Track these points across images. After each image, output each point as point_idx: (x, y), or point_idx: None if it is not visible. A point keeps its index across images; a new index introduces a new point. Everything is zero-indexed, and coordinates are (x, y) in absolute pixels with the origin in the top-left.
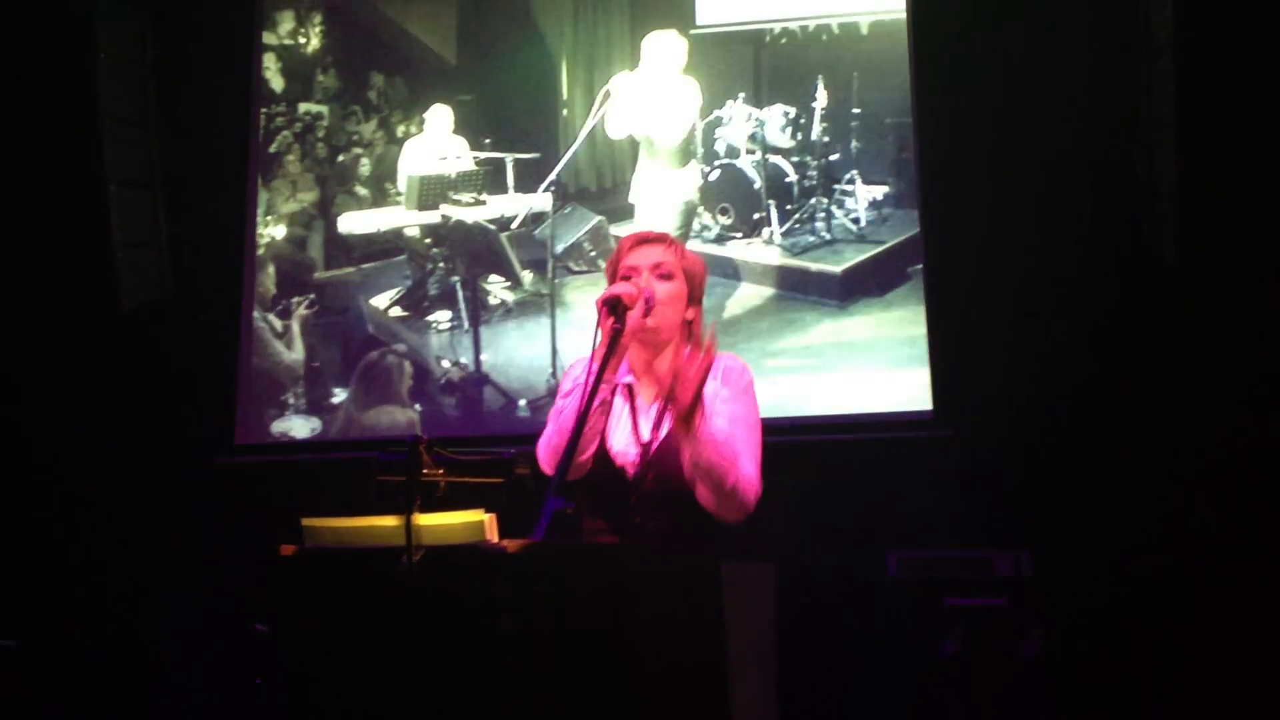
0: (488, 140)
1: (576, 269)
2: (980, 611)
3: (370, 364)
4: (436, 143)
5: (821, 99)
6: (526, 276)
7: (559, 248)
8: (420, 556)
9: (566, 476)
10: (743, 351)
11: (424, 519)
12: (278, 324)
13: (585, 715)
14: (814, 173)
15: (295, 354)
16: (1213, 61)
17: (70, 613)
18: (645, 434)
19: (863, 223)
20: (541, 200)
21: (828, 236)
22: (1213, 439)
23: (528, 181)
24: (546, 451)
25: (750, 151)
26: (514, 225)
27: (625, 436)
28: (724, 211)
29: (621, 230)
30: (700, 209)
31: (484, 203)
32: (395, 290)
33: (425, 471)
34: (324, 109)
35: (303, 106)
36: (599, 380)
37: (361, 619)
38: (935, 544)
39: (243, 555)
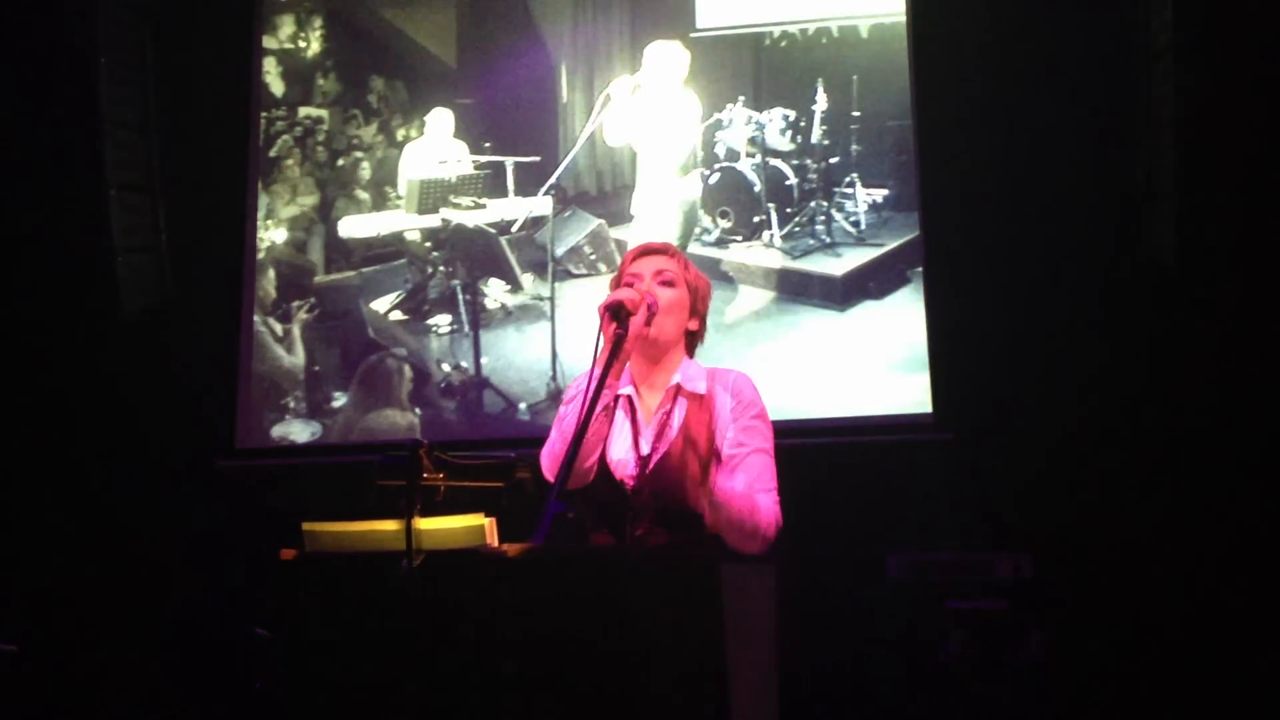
0: (488, 144)
1: (576, 272)
2: (981, 614)
3: (370, 368)
4: (436, 146)
5: (821, 102)
6: (526, 280)
7: (559, 251)
8: (420, 561)
9: (568, 483)
10: (743, 355)
11: (424, 523)
12: (278, 328)
13: (586, 718)
14: (814, 176)
15: (295, 358)
16: (1212, 64)
17: (71, 617)
18: (645, 448)
19: (862, 225)
20: (541, 204)
21: (828, 239)
22: (1213, 440)
23: (528, 185)
24: (550, 458)
25: (750, 154)
26: (514, 229)
27: (624, 449)
28: (724, 215)
29: (621, 234)
30: (700, 212)
31: (484, 206)
32: (395, 294)
33: (425, 476)
34: (324, 113)
35: (303, 110)
36: (601, 386)
37: (362, 623)
38: (935, 547)
39: (243, 559)
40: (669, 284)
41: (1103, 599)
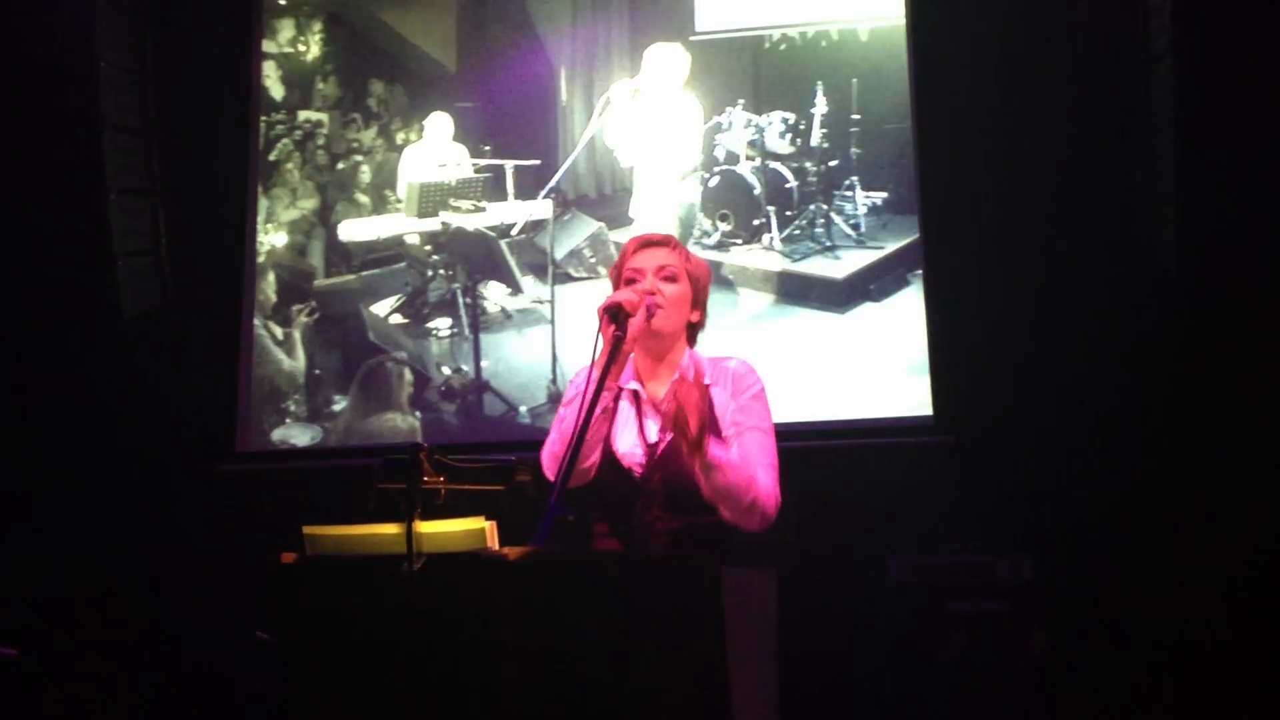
0: (487, 147)
1: (577, 275)
2: (982, 616)
3: (370, 371)
4: (436, 150)
5: (821, 105)
6: (526, 283)
7: (559, 254)
8: (421, 564)
9: (568, 484)
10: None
11: (425, 526)
12: (278, 331)
13: None
14: (814, 178)
15: (296, 361)
16: (1211, 66)
17: (71, 621)
18: (652, 435)
19: (862, 228)
20: (541, 207)
21: (828, 242)
22: (1214, 443)
23: (527, 188)
24: (550, 459)
25: (750, 157)
26: (514, 232)
27: (632, 438)
28: (724, 218)
29: (621, 237)
30: (700, 215)
31: (484, 209)
32: (395, 297)
33: (426, 479)
34: (324, 117)
35: (303, 114)
36: (600, 388)
37: (362, 626)
38: (936, 549)
39: (243, 562)
40: (671, 279)
41: (1104, 601)
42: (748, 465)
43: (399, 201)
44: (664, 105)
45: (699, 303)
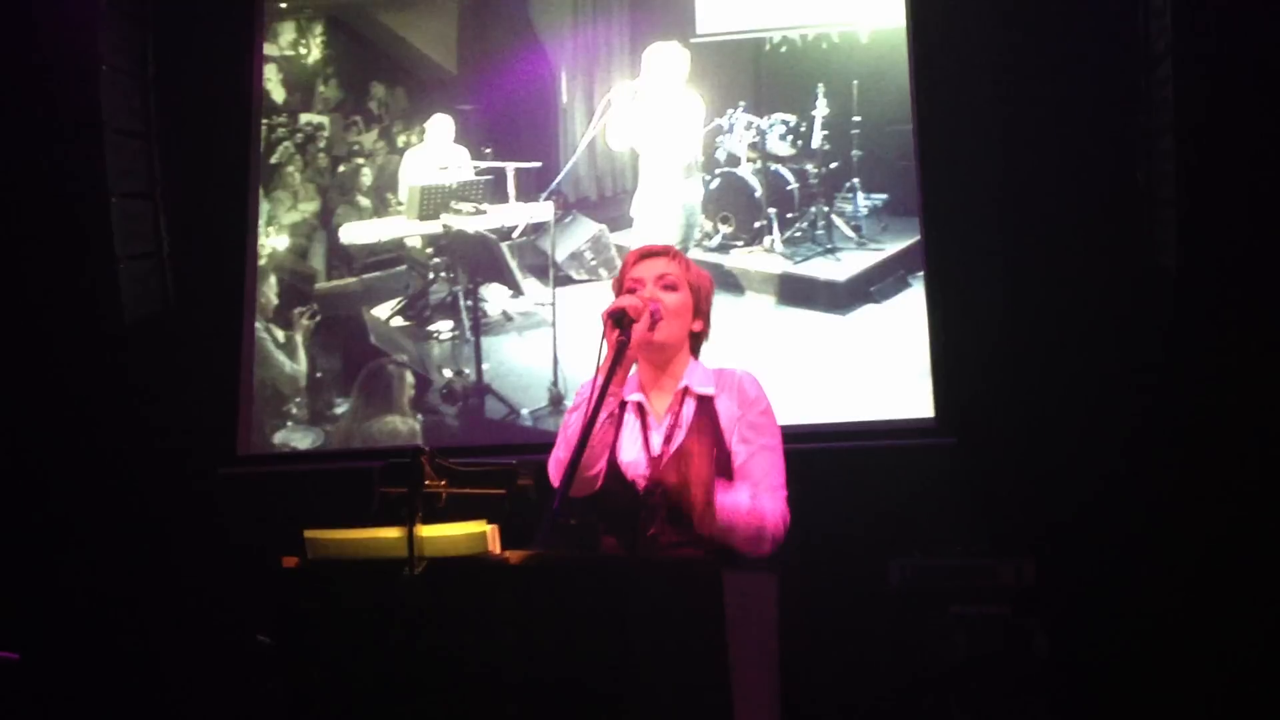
0: (488, 150)
1: (578, 278)
2: (984, 620)
3: (372, 374)
4: (437, 152)
5: (822, 107)
6: (528, 285)
7: (560, 256)
8: (423, 568)
9: (571, 490)
10: (744, 360)
11: (426, 531)
12: (280, 335)
13: None
14: (815, 181)
15: (297, 365)
16: (1211, 68)
17: (73, 625)
18: (656, 448)
19: (863, 230)
20: (542, 209)
21: (829, 244)
22: (1216, 445)
23: (529, 191)
24: (555, 466)
25: (751, 160)
26: (515, 234)
27: (635, 450)
28: (725, 220)
29: (622, 239)
30: (701, 217)
31: (485, 212)
32: (397, 300)
33: (428, 483)
34: (325, 119)
35: (304, 117)
36: (604, 394)
37: (364, 630)
38: (938, 552)
39: (245, 565)
40: (671, 288)
41: (1106, 604)
42: (757, 507)
43: (400, 204)
44: (665, 104)
45: (701, 312)
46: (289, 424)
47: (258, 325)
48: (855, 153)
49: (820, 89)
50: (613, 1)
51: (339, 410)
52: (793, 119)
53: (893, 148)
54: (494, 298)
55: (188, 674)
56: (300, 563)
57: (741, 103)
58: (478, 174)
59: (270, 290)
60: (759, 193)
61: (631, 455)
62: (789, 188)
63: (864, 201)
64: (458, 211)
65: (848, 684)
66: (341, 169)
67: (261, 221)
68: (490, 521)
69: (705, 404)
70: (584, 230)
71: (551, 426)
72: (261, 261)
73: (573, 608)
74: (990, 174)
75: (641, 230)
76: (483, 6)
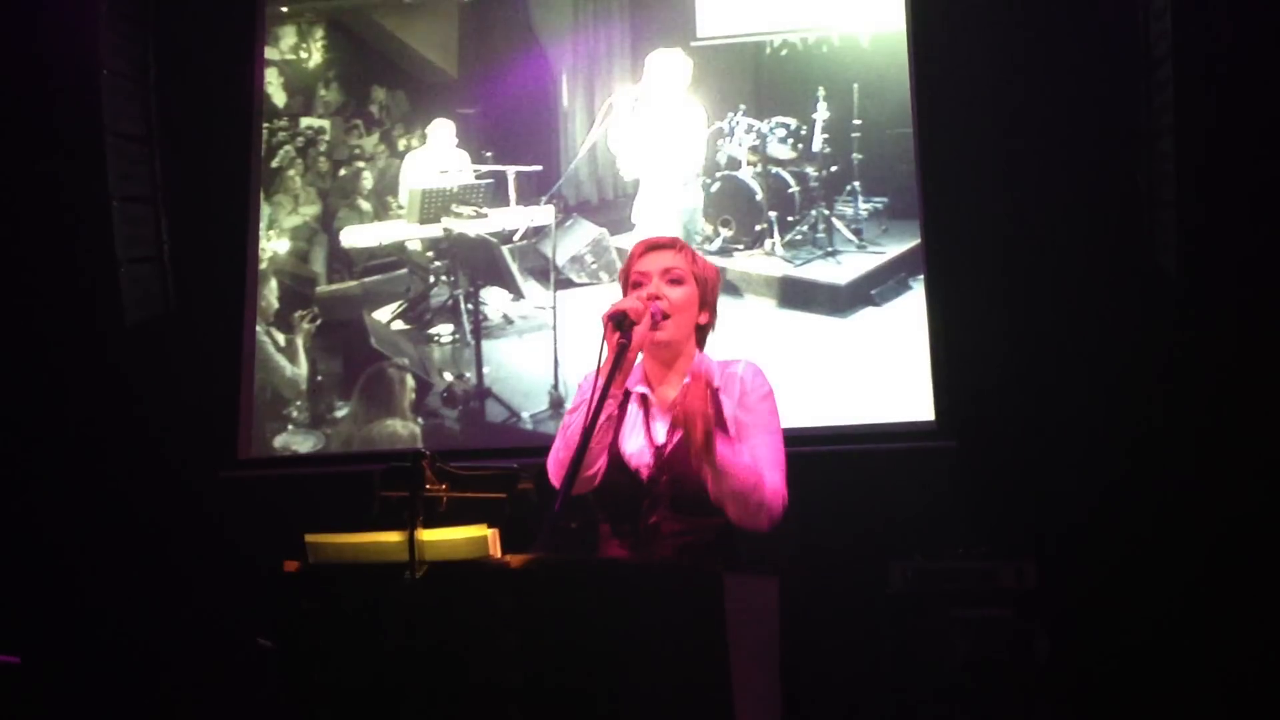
0: (489, 153)
1: (578, 281)
2: (986, 622)
3: (372, 377)
4: (438, 156)
5: (822, 111)
6: (528, 289)
7: (561, 260)
8: (424, 572)
9: (572, 491)
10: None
11: (427, 534)
12: (280, 338)
13: None
14: (815, 184)
15: (298, 368)
16: (1212, 70)
17: (73, 628)
18: (660, 437)
19: (864, 233)
20: (543, 213)
21: (829, 247)
22: (1217, 447)
23: (529, 194)
24: (555, 466)
25: (751, 163)
26: (516, 238)
27: (640, 440)
28: (726, 223)
29: (623, 242)
30: (702, 221)
31: (485, 215)
32: (397, 303)
33: (428, 487)
34: (326, 123)
35: (305, 121)
36: (604, 396)
37: (365, 634)
38: (939, 555)
39: (245, 568)
40: (677, 281)
41: (1108, 606)
42: (755, 467)
43: (401, 208)
44: (666, 111)
45: (707, 304)
46: (289, 427)
47: (258, 328)
48: (856, 156)
49: (821, 92)
50: (613, 5)
51: (339, 414)
52: (793, 122)
53: (893, 151)
54: (494, 301)
55: (188, 678)
56: (301, 566)
57: (742, 106)
58: (478, 177)
59: (271, 293)
60: (760, 196)
61: (635, 445)
62: (790, 191)
63: (864, 205)
64: (458, 215)
65: (849, 687)
66: (342, 173)
67: (262, 225)
68: (491, 525)
69: (710, 396)
70: (585, 234)
71: (552, 430)
72: (262, 265)
73: (574, 611)
74: (990, 177)
75: (642, 233)
76: (483, 10)
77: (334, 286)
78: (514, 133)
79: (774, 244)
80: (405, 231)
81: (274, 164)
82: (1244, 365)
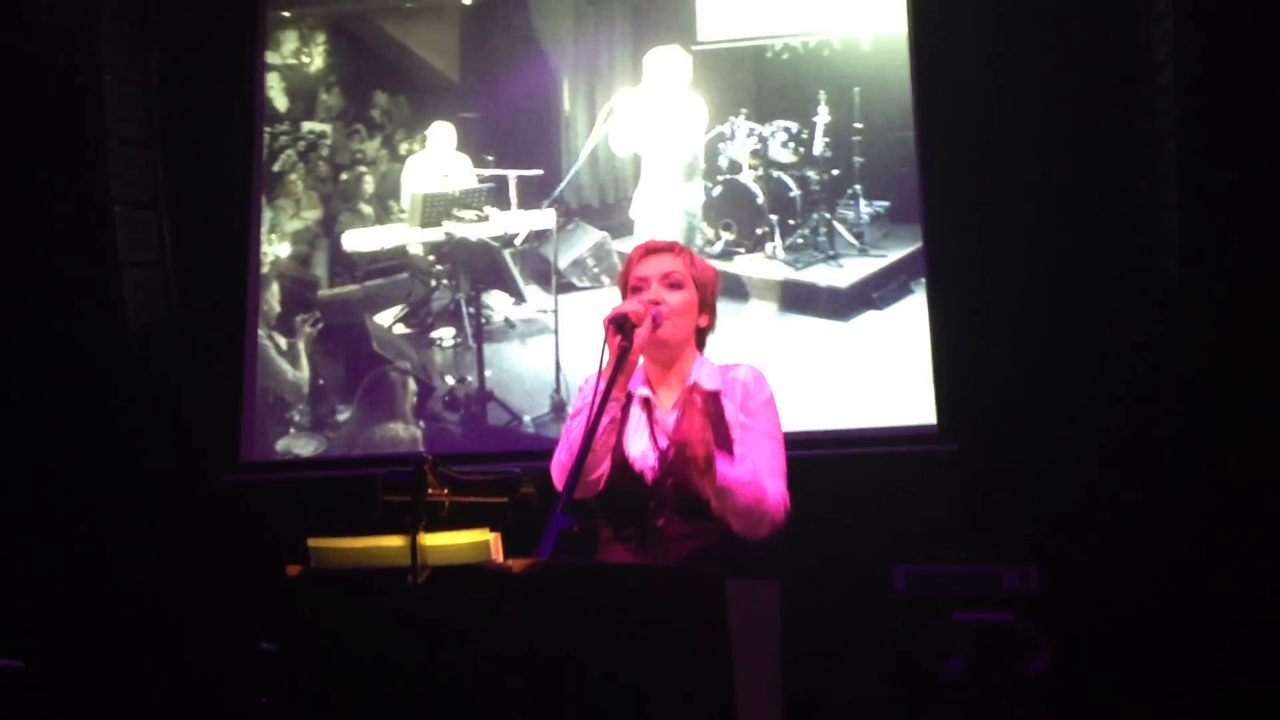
0: (490, 157)
1: (580, 285)
2: (988, 626)
3: (374, 381)
4: (439, 160)
5: (823, 114)
6: (530, 293)
7: (562, 264)
8: (426, 576)
9: (574, 495)
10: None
11: (429, 539)
12: (282, 342)
13: None
14: (816, 187)
15: (300, 372)
16: (1214, 74)
17: (76, 633)
18: (663, 441)
19: (865, 237)
20: (545, 217)
21: (831, 251)
22: (1219, 451)
23: (531, 198)
24: (558, 470)
25: (753, 167)
26: (517, 242)
27: (643, 443)
28: (727, 226)
29: (624, 246)
30: (703, 224)
31: (487, 219)
32: (399, 307)
33: (430, 491)
34: (327, 127)
35: (306, 125)
36: (606, 399)
37: (367, 639)
38: (942, 559)
39: (248, 572)
40: (677, 285)
41: (1110, 611)
42: (757, 481)
43: (402, 212)
44: (667, 108)
45: (707, 306)
46: (291, 431)
47: (260, 332)
48: (857, 159)
49: (822, 96)
50: (614, 9)
51: (341, 417)
52: (795, 126)
53: (894, 154)
54: (496, 305)
55: (191, 682)
56: (303, 571)
57: (743, 110)
58: (480, 181)
59: (273, 297)
60: (761, 199)
61: (639, 449)
62: (791, 194)
63: (866, 208)
64: (460, 219)
65: (851, 690)
66: (344, 177)
67: (264, 229)
68: (493, 530)
69: (711, 399)
70: (586, 237)
71: (553, 433)
72: (264, 269)
73: (576, 616)
74: (992, 180)
75: (643, 236)
76: (484, 14)
77: (336, 290)
78: (515, 137)
79: (775, 247)
80: (407, 235)
81: (276, 168)
82: (1247, 368)
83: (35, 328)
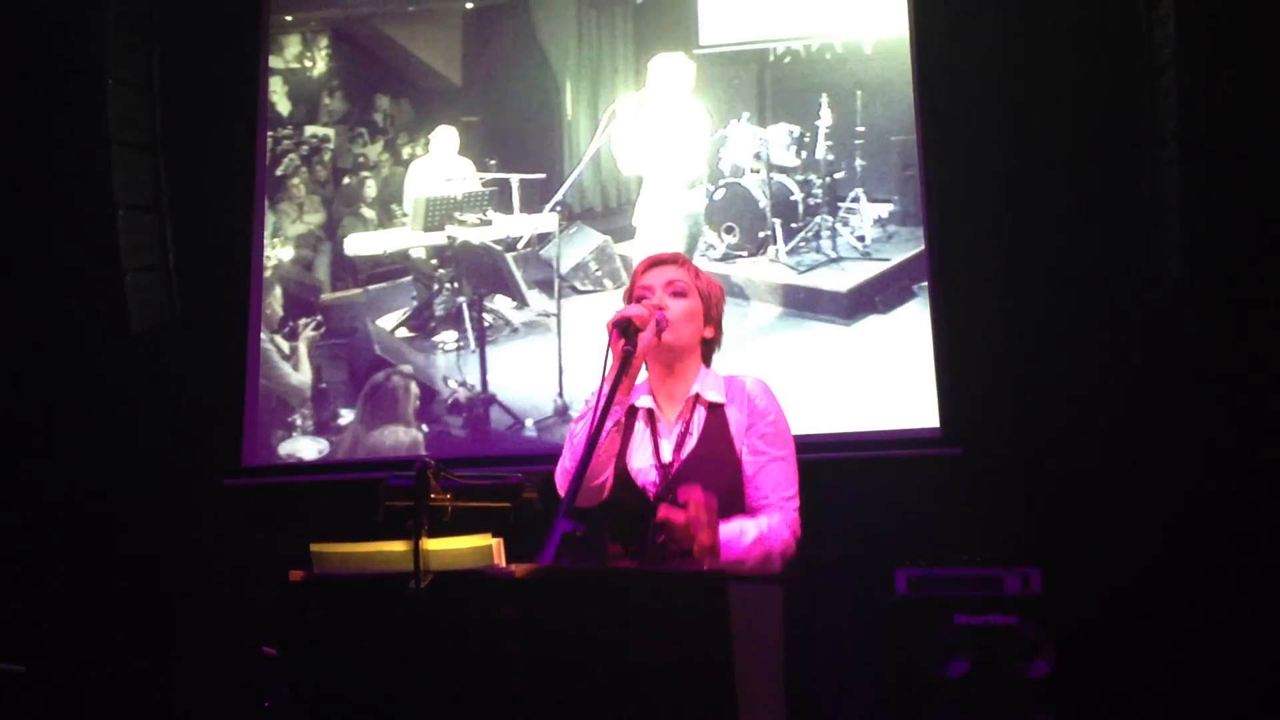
0: (493, 161)
1: (582, 289)
2: (990, 630)
3: (377, 385)
4: (442, 164)
5: (825, 118)
6: (532, 296)
7: (565, 267)
8: (428, 581)
9: (578, 501)
10: (749, 370)
11: (432, 544)
12: (285, 346)
13: None
14: (819, 191)
15: (302, 375)
16: (1215, 77)
17: (79, 636)
18: (666, 455)
19: (868, 240)
20: (547, 220)
21: (833, 254)
22: (1222, 453)
23: (533, 202)
24: (562, 475)
25: (755, 170)
26: (520, 245)
27: (646, 458)
28: (729, 230)
29: (626, 250)
30: (705, 228)
31: (490, 223)
32: (402, 311)
33: (433, 496)
34: (330, 132)
35: (309, 129)
36: (609, 403)
37: (370, 644)
38: (944, 562)
39: (250, 576)
40: (680, 294)
41: (1112, 614)
42: (763, 542)
43: (405, 216)
44: (670, 114)
45: (712, 319)
46: (294, 434)
47: (263, 336)
48: (859, 163)
49: (824, 99)
50: (616, 13)
51: (344, 421)
52: (797, 129)
53: (897, 158)
54: (498, 309)
55: (193, 686)
56: (306, 576)
57: (745, 113)
58: (482, 185)
59: (276, 301)
60: (763, 203)
61: (642, 462)
62: (793, 198)
63: (868, 211)
64: (462, 223)
65: (854, 693)
66: (346, 181)
67: (267, 233)
68: (495, 534)
69: (716, 411)
70: (589, 241)
71: (556, 437)
72: (267, 273)
73: (578, 620)
74: (994, 183)
75: (645, 240)
76: (487, 18)
77: (338, 294)
78: (518, 140)
79: (778, 251)
80: (409, 239)
81: (278, 172)
82: (1249, 371)
83: (39, 331)
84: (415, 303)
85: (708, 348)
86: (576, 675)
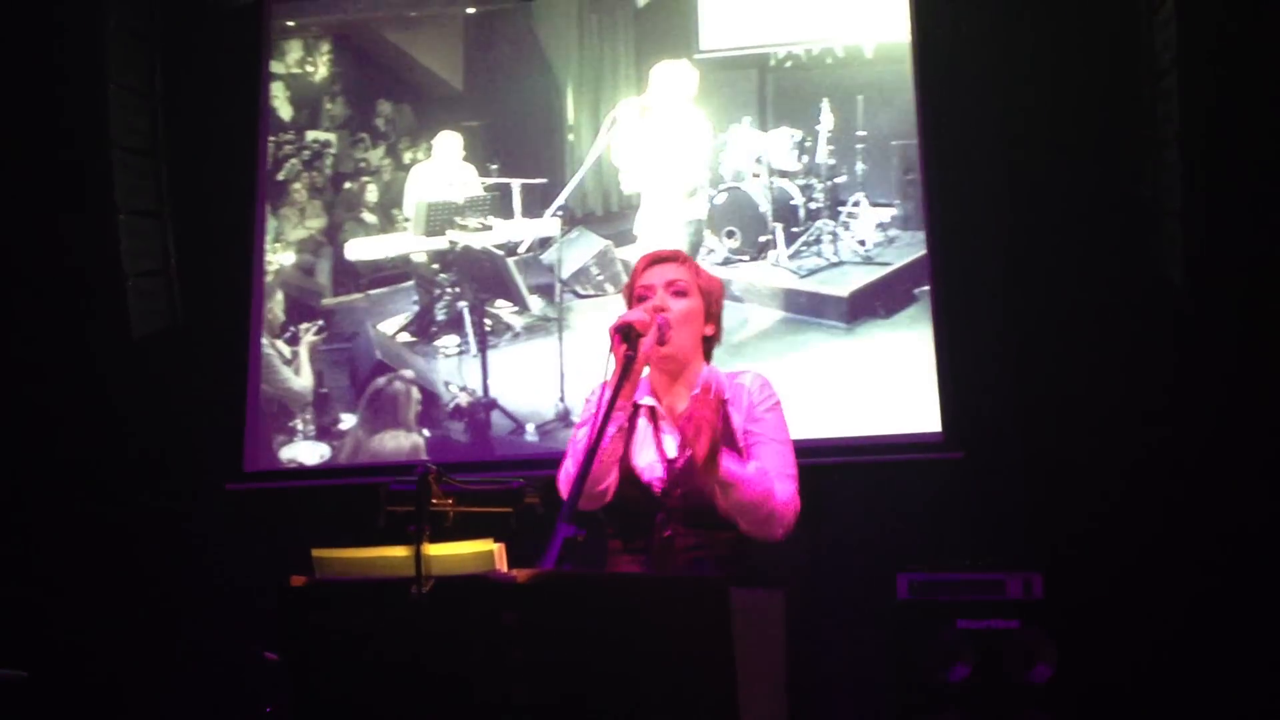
0: (494, 166)
1: (584, 293)
2: (992, 634)
3: (378, 390)
4: (444, 169)
5: (827, 122)
6: (534, 301)
7: (566, 272)
8: (430, 587)
9: (581, 504)
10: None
11: (434, 549)
12: (286, 350)
13: None
14: (820, 195)
15: (304, 380)
16: (1217, 80)
17: (79, 642)
18: (671, 452)
19: (869, 245)
20: (548, 225)
21: (834, 259)
22: (1225, 458)
23: (534, 206)
24: (565, 480)
25: (756, 175)
26: (521, 250)
27: (651, 454)
28: (730, 235)
29: (628, 254)
30: (706, 232)
31: (491, 228)
32: (403, 316)
33: (434, 501)
34: (332, 136)
35: (310, 134)
36: (611, 409)
37: (371, 649)
38: (946, 566)
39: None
40: (681, 294)
41: (1114, 619)
42: (764, 479)
43: (406, 220)
44: (671, 122)
45: (712, 316)
46: (296, 439)
47: (264, 341)
48: (860, 167)
49: (825, 103)
50: (618, 18)
51: (345, 426)
52: (798, 134)
53: (898, 162)
54: (500, 313)
55: (195, 691)
56: (307, 581)
57: (746, 117)
58: (484, 190)
59: (277, 306)
60: (764, 207)
61: (646, 459)
62: (794, 202)
63: (869, 216)
64: (464, 227)
65: (855, 698)
66: (348, 186)
67: (268, 238)
68: (497, 539)
69: (719, 409)
70: (590, 245)
71: (558, 442)
72: (268, 278)
73: (580, 626)
74: (996, 187)
75: (646, 246)
76: (488, 23)
77: (340, 299)
78: (519, 145)
79: (779, 255)
80: (411, 244)
81: (280, 177)
82: (1250, 377)
83: (40, 336)
84: (416, 307)
85: (708, 344)
86: (578, 681)
